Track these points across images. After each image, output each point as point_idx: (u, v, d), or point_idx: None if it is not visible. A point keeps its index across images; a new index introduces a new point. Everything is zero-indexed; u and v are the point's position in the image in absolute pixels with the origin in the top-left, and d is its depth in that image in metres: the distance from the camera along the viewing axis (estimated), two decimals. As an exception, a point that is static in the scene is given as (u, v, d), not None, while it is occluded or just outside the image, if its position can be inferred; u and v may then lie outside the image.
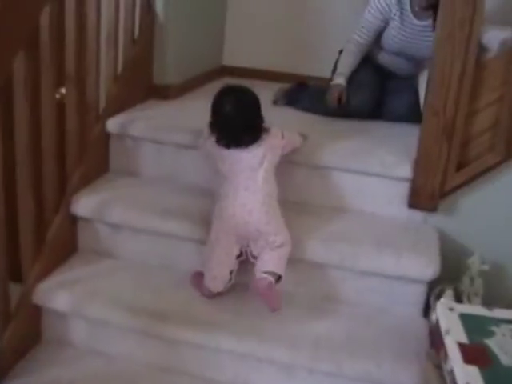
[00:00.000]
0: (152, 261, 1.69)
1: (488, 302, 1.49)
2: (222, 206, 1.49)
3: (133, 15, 1.95)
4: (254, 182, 1.47)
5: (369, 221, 1.68)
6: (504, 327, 1.21)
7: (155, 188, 1.80)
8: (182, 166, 1.82)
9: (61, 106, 1.60)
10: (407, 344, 1.43)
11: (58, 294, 1.52)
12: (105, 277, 1.61)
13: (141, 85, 2.07)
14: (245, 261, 1.52)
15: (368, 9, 2.05)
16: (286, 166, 1.66)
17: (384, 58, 2.18)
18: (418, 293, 1.53)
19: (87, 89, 1.72)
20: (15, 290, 1.47)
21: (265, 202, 1.46)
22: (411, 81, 2.09)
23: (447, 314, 1.24)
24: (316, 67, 2.42)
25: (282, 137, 1.55)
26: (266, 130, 1.51)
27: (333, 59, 2.19)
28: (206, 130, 1.54)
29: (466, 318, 1.23)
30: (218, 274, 1.50)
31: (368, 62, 2.15)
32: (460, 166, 1.60)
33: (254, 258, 1.50)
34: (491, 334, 1.19)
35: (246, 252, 1.52)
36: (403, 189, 1.66)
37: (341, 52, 2.17)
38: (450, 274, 1.59)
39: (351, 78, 2.09)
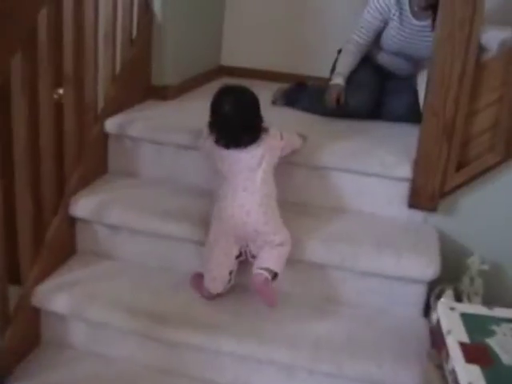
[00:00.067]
0: (151, 262, 1.68)
1: (488, 302, 1.49)
2: (220, 207, 1.48)
3: (131, 15, 1.95)
4: (253, 182, 1.46)
5: (369, 221, 1.68)
6: (505, 326, 1.22)
7: (154, 189, 1.79)
8: (181, 167, 1.81)
9: (59, 107, 1.59)
10: (408, 344, 1.42)
11: (57, 296, 1.51)
12: (104, 278, 1.61)
13: (139, 85, 2.06)
14: (244, 262, 1.52)
15: (367, 9, 2.05)
16: (285, 166, 1.65)
17: (383, 58, 2.18)
18: (418, 293, 1.53)
19: (85, 89, 1.72)
20: (14, 293, 1.46)
21: (263, 202, 1.46)
22: (410, 81, 2.09)
23: (448, 314, 1.24)
24: (315, 67, 2.42)
25: (281, 138, 1.54)
26: (266, 131, 1.51)
27: (332, 59, 2.19)
28: (206, 130, 1.54)
29: (466, 318, 1.23)
30: (218, 275, 1.49)
31: (367, 62, 2.15)
32: (460, 166, 1.60)
33: (254, 257, 1.49)
34: (492, 333, 1.19)
35: (245, 252, 1.51)
36: (403, 189, 1.66)
37: (339, 52, 2.17)
38: (450, 274, 1.59)
39: (350, 78, 2.09)
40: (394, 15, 2.02)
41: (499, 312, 1.27)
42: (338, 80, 2.07)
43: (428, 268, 1.49)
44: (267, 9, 2.62)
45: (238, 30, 2.65)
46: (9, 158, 1.38)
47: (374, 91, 2.09)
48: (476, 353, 1.12)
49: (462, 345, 1.14)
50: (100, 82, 1.80)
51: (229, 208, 1.46)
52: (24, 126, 1.39)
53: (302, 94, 2.22)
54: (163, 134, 1.80)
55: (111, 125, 1.82)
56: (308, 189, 1.75)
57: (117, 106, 1.88)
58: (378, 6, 2.02)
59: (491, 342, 1.16)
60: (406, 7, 2.01)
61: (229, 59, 2.67)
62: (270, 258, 1.45)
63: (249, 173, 1.47)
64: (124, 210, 1.66)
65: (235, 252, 1.50)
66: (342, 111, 2.06)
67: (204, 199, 1.66)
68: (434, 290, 1.58)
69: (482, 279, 1.61)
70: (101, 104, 1.83)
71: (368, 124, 2.05)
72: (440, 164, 1.58)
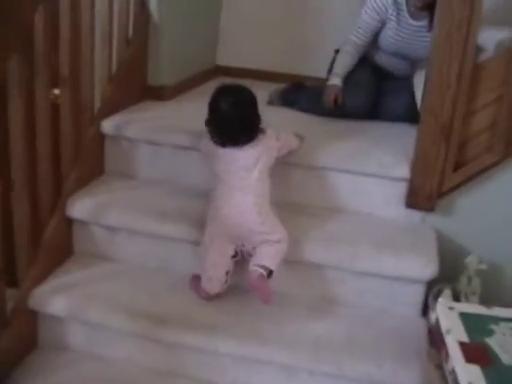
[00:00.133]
0: (149, 263, 1.68)
1: (485, 301, 1.50)
2: (215, 207, 1.48)
3: (127, 15, 1.94)
4: (248, 182, 1.46)
5: (366, 221, 1.68)
6: (503, 326, 1.22)
7: (151, 190, 1.78)
8: (178, 168, 1.81)
9: (54, 108, 1.58)
10: (407, 344, 1.43)
11: (54, 298, 1.50)
12: (101, 280, 1.60)
13: (135, 85, 2.05)
14: (241, 262, 1.51)
15: (365, 9, 2.05)
16: (283, 166, 1.65)
17: (381, 59, 2.18)
18: (416, 293, 1.53)
19: (81, 89, 1.71)
20: (11, 295, 1.45)
21: (257, 202, 1.46)
22: (408, 81, 2.09)
23: (447, 314, 1.25)
24: (312, 67, 2.42)
25: (278, 138, 1.54)
26: (263, 131, 1.51)
27: (329, 59, 2.19)
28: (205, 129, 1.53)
29: (466, 317, 1.23)
30: (214, 275, 1.49)
31: (365, 62, 2.15)
32: (457, 166, 1.60)
33: (250, 256, 1.49)
34: (491, 332, 1.20)
35: (241, 252, 1.51)
36: (401, 189, 1.66)
37: (337, 52, 2.17)
38: (448, 274, 1.59)
39: (348, 79, 2.09)
40: (391, 15, 2.02)
41: (498, 311, 1.27)
42: (336, 80, 2.07)
43: (426, 268, 1.49)
44: (264, 8, 2.62)
45: (234, 29, 2.64)
46: (5, 159, 1.38)
47: (372, 91, 2.09)
48: (476, 352, 1.13)
49: (462, 344, 1.15)
50: (96, 82, 1.80)
51: (224, 208, 1.46)
52: (20, 126, 1.38)
53: (300, 94, 2.22)
54: (160, 134, 1.80)
55: (108, 126, 1.81)
56: (306, 189, 1.75)
57: (113, 106, 1.88)
58: (376, 6, 2.02)
59: (490, 341, 1.17)
60: (404, 7, 2.01)
61: (225, 59, 2.67)
62: (265, 256, 1.45)
63: (244, 173, 1.47)
64: (121, 211, 1.65)
65: (231, 252, 1.50)
66: (339, 112, 2.06)
67: (201, 200, 1.65)
68: (432, 289, 1.59)
69: (480, 279, 1.62)
70: (97, 104, 1.82)
71: (366, 124, 2.05)
72: (438, 164, 1.58)
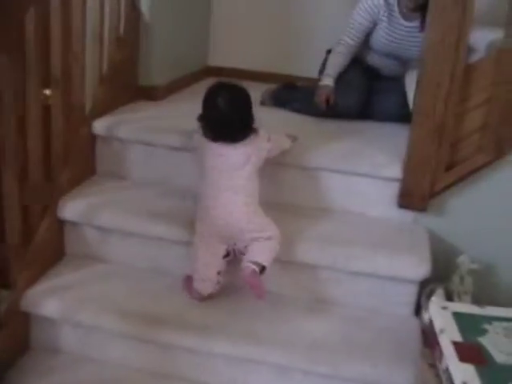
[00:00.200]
0: (142, 264, 1.67)
1: (478, 300, 1.51)
2: (205, 207, 1.48)
3: (118, 15, 1.93)
4: (237, 182, 1.46)
5: (360, 221, 1.69)
6: (496, 325, 1.23)
7: (144, 191, 1.78)
8: (170, 168, 1.80)
9: (45, 108, 1.57)
10: (401, 344, 1.43)
11: (47, 300, 1.49)
12: (94, 281, 1.59)
13: (127, 86, 2.05)
14: (234, 261, 1.51)
15: (357, 10, 2.06)
16: (276, 167, 1.66)
17: (373, 59, 2.19)
18: (410, 293, 1.54)
19: (73, 90, 1.69)
20: (3, 297, 1.45)
21: (247, 202, 1.46)
22: (400, 81, 2.10)
23: (441, 313, 1.25)
24: (303, 67, 2.42)
25: (269, 140, 1.54)
26: (255, 131, 1.50)
27: (320, 59, 2.19)
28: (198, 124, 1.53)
29: (459, 317, 1.24)
30: (205, 276, 1.49)
31: (357, 62, 2.15)
32: (450, 167, 1.61)
33: (243, 255, 1.49)
34: (484, 332, 1.20)
35: (233, 251, 1.51)
36: (393, 189, 1.67)
37: (329, 52, 2.17)
38: (440, 274, 1.60)
39: (340, 79, 2.09)
40: (383, 16, 2.03)
41: (491, 311, 1.28)
42: (328, 81, 2.08)
43: (419, 267, 1.50)
44: (255, 9, 2.62)
45: (225, 30, 2.64)
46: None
47: (364, 92, 2.10)
48: (469, 352, 1.13)
49: (456, 344, 1.15)
50: (87, 82, 1.78)
51: (213, 208, 1.46)
52: (11, 127, 1.37)
53: (293, 95, 2.23)
54: (152, 135, 1.79)
55: (99, 126, 1.80)
56: (298, 190, 1.75)
57: (105, 106, 1.87)
58: (367, 7, 2.03)
59: (484, 340, 1.17)
60: (395, 8, 2.03)
61: (216, 59, 2.66)
62: (258, 252, 1.45)
63: (233, 172, 1.46)
64: (113, 212, 1.64)
65: (222, 252, 1.50)
66: (331, 112, 2.06)
67: (193, 201, 1.64)
68: (424, 289, 1.60)
69: (472, 278, 1.63)
70: (88, 105, 1.81)
71: (358, 124, 2.06)
72: (430, 164, 1.59)
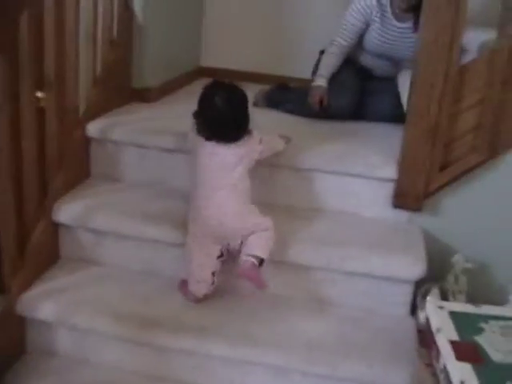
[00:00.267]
0: (137, 267, 1.66)
1: (472, 299, 1.51)
2: (197, 207, 1.48)
3: (111, 16, 1.92)
4: (228, 182, 1.46)
5: (354, 222, 1.69)
6: (492, 324, 1.23)
7: (138, 193, 1.77)
8: (164, 170, 1.80)
9: (38, 111, 1.56)
10: (398, 344, 1.44)
11: (42, 303, 1.48)
12: (90, 284, 1.58)
13: (120, 87, 2.04)
14: (228, 261, 1.51)
15: (349, 11, 2.06)
16: (269, 169, 1.66)
17: (366, 60, 2.20)
18: (405, 292, 1.55)
19: (66, 92, 1.68)
20: (-2, 301, 1.43)
21: (239, 202, 1.46)
22: (393, 81, 2.11)
23: (437, 312, 1.26)
24: (296, 68, 2.43)
25: (261, 142, 1.53)
26: (249, 132, 1.50)
27: (313, 60, 2.20)
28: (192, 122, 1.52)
29: (455, 316, 1.24)
30: (200, 277, 1.49)
31: (350, 63, 2.16)
32: (443, 167, 1.62)
33: (239, 253, 1.48)
34: (480, 330, 1.21)
35: (227, 251, 1.51)
36: (388, 189, 1.67)
37: (322, 53, 2.18)
38: (435, 273, 1.61)
39: (333, 80, 2.10)
40: (375, 17, 2.04)
41: (487, 310, 1.28)
42: (321, 81, 2.08)
43: (415, 267, 1.50)
44: (247, 10, 2.62)
45: (218, 31, 2.64)
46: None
47: (357, 92, 2.10)
48: (466, 351, 1.14)
49: (453, 343, 1.16)
50: (81, 84, 1.78)
51: (205, 208, 1.46)
52: (5, 129, 1.36)
53: (286, 96, 2.23)
54: (146, 137, 1.79)
55: (93, 129, 1.79)
56: (293, 191, 1.75)
57: (98, 109, 1.86)
58: (360, 8, 2.04)
59: (480, 339, 1.18)
60: (388, 9, 2.03)
61: (209, 60, 2.66)
62: (255, 245, 1.45)
63: (225, 172, 1.46)
64: (107, 215, 1.64)
65: (216, 253, 1.50)
66: (324, 113, 2.07)
67: (188, 202, 1.64)
68: (419, 289, 1.60)
69: (467, 277, 1.64)
70: (82, 107, 1.80)
71: (352, 125, 2.07)
72: (424, 164, 1.60)
